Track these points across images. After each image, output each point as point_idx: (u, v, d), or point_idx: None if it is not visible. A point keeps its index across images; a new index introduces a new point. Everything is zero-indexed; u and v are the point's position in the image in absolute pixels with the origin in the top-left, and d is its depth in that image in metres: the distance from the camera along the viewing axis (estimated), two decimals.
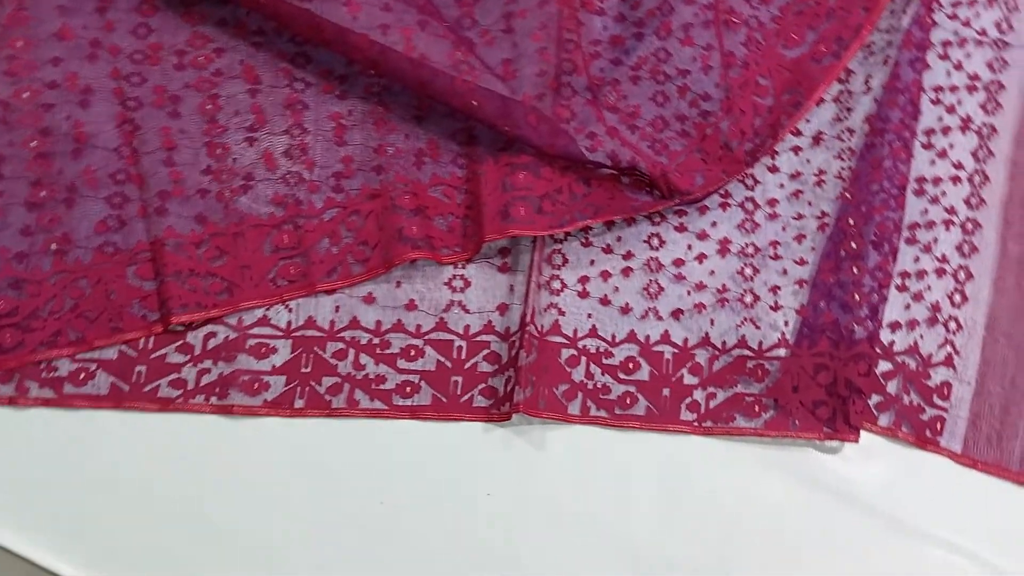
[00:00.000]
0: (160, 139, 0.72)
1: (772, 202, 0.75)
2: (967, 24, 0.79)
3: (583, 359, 0.71)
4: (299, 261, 0.71)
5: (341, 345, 0.70)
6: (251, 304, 0.69)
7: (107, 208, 0.70)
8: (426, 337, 0.71)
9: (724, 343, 0.71)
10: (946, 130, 0.76)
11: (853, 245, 0.71)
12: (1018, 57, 0.78)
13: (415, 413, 0.68)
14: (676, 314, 0.72)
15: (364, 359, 0.70)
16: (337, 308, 0.71)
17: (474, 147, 0.74)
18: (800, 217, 0.74)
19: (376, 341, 0.70)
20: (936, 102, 0.77)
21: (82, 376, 0.66)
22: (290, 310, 0.71)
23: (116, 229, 0.70)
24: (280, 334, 0.70)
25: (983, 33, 0.78)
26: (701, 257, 0.73)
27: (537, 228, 0.70)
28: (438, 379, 0.70)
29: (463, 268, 0.73)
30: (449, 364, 0.70)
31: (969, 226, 0.74)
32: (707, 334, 0.71)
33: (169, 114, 0.73)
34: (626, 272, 0.73)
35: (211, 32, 0.76)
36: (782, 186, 0.75)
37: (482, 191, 0.71)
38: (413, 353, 0.70)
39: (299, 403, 0.68)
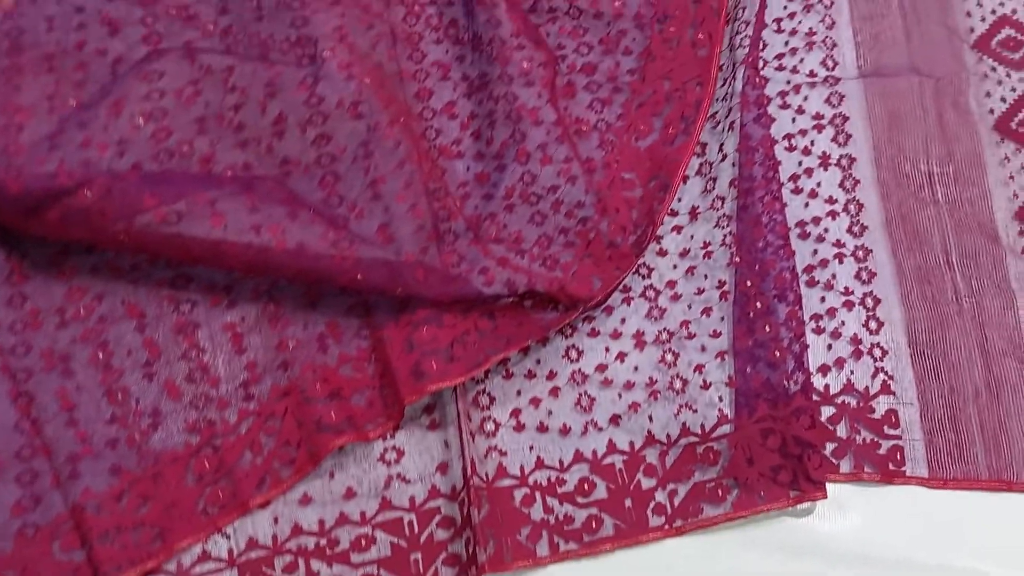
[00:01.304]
0: (58, 402, 0.70)
1: (671, 284, 0.76)
2: (795, 71, 0.83)
3: (537, 495, 0.69)
4: (225, 483, 0.69)
5: (289, 557, 0.67)
6: (186, 543, 0.66)
7: (19, 489, 0.67)
8: (373, 522, 0.68)
9: (669, 436, 0.70)
10: (809, 171, 0.79)
11: (758, 304, 0.72)
12: (851, 87, 0.82)
13: None
14: (615, 420, 0.71)
15: (316, 565, 0.67)
16: (276, 519, 0.69)
17: (373, 315, 0.74)
18: (701, 292, 0.75)
19: (323, 542, 0.68)
20: (791, 148, 0.80)
21: None
22: (228, 536, 0.68)
23: (32, 508, 0.67)
24: (224, 565, 0.67)
25: (813, 75, 0.83)
26: (621, 356, 0.73)
27: (453, 376, 0.69)
28: (396, 563, 0.67)
29: (393, 439, 0.71)
30: (404, 543, 0.68)
31: (860, 253, 0.75)
32: (650, 431, 0.70)
33: (62, 374, 0.71)
34: (554, 392, 0.72)
35: (87, 282, 0.75)
36: (675, 267, 0.77)
37: (390, 356, 0.70)
38: (364, 543, 0.68)
39: None
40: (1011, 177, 0.77)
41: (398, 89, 0.82)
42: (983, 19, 0.84)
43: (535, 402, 0.72)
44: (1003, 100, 0.81)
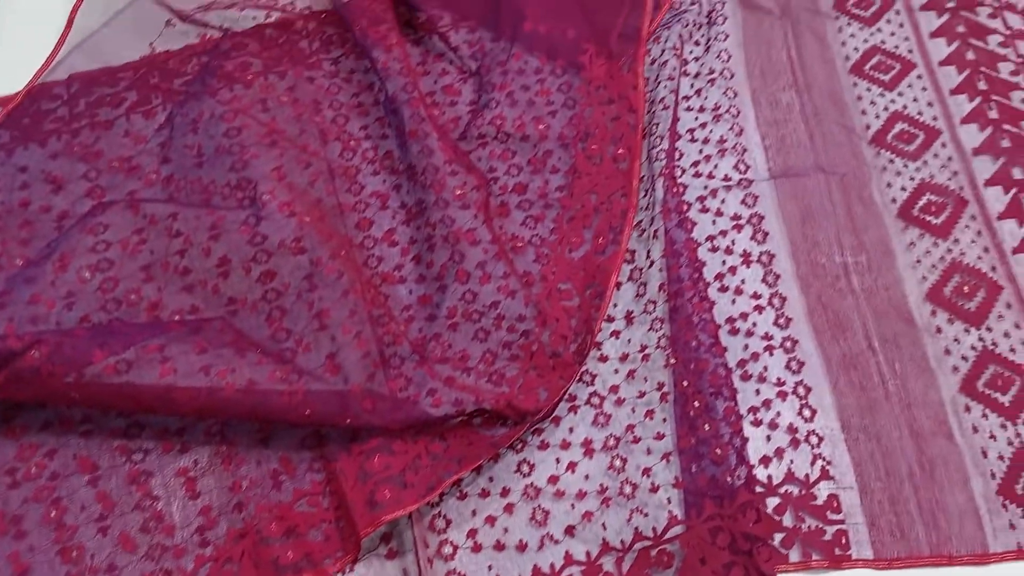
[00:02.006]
0: (11, 566, 0.70)
1: (614, 388, 0.79)
2: (711, 176, 0.88)
3: None
4: None
5: None
6: None
7: None
8: None
9: (623, 542, 0.71)
10: (732, 269, 0.83)
11: (696, 403, 0.75)
12: (763, 188, 0.87)
13: None
14: (570, 531, 0.72)
15: None
16: None
17: (326, 447, 0.75)
18: (642, 395, 0.78)
19: None
20: (714, 249, 0.84)
21: None
22: None
23: None
24: None
25: (727, 179, 0.88)
26: (572, 466, 0.75)
27: (408, 504, 0.70)
28: None
29: (351, 571, 0.71)
30: None
31: (788, 344, 0.79)
32: (605, 539, 0.72)
33: (14, 537, 0.71)
34: (509, 509, 0.74)
35: (38, 439, 0.76)
36: (616, 371, 0.79)
37: (344, 488, 0.71)
38: None
39: None
40: (918, 261, 0.83)
41: (338, 222, 0.86)
42: (877, 116, 0.91)
43: (491, 520, 0.73)
44: (903, 189, 0.87)
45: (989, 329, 0.79)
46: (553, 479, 0.75)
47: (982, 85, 0.92)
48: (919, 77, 0.93)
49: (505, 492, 0.74)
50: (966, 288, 0.81)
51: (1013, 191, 0.85)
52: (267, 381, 0.72)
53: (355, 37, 0.92)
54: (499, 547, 0.72)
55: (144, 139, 0.92)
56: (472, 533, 0.73)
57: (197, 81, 0.93)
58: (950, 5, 0.97)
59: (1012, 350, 0.78)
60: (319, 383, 0.73)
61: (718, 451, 0.72)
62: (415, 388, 0.75)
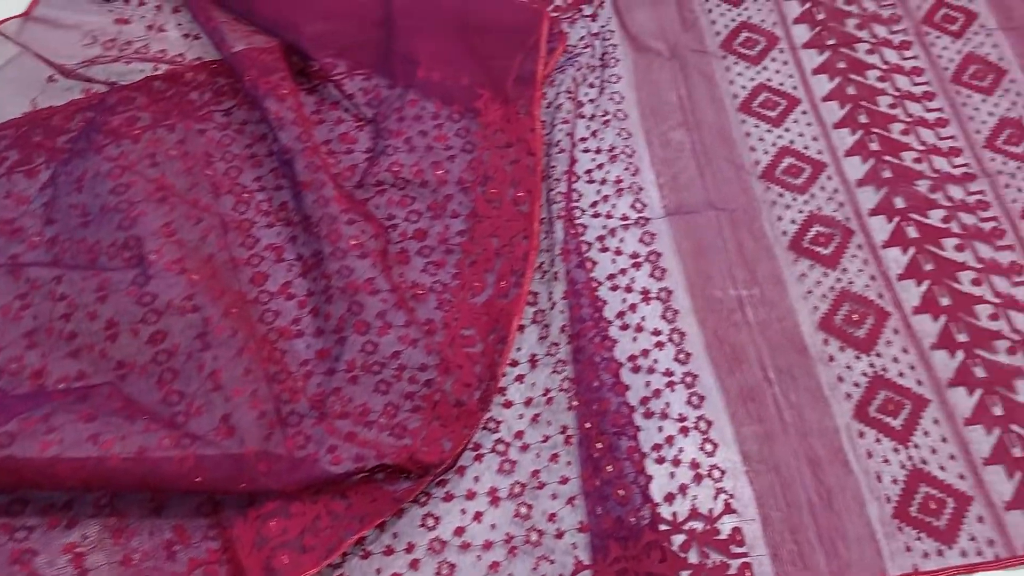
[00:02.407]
0: None
1: (519, 434, 0.78)
2: (609, 216, 0.90)
3: None
4: None
5: None
6: None
7: None
8: None
9: None
10: (633, 307, 0.84)
11: (599, 445, 0.75)
12: (660, 226, 0.89)
13: None
14: None
15: None
16: None
17: (222, 513, 0.72)
18: (546, 439, 0.77)
19: None
20: (615, 288, 0.85)
21: None
22: None
23: None
24: None
25: (625, 218, 0.89)
26: (478, 516, 0.74)
27: (307, 568, 0.68)
28: None
29: None
30: None
31: (688, 379, 0.80)
32: None
33: None
34: (414, 565, 0.72)
35: None
36: (521, 416, 0.79)
37: (240, 556, 0.69)
38: None
39: None
40: (809, 291, 0.85)
41: (231, 278, 0.84)
42: (766, 152, 0.94)
43: None
44: (793, 222, 0.89)
45: (879, 355, 0.81)
46: (459, 531, 0.74)
47: (863, 118, 0.95)
48: (804, 112, 0.96)
49: (410, 548, 0.73)
50: (855, 316, 0.83)
51: (896, 220, 0.89)
52: (157, 448, 0.70)
53: (245, 88, 0.91)
54: None
55: (27, 200, 0.88)
56: None
57: (82, 138, 0.91)
58: (831, 43, 1.01)
59: (901, 374, 0.80)
60: (211, 448, 0.70)
61: (621, 492, 0.72)
62: (314, 446, 0.73)
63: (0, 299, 0.81)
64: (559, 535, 0.72)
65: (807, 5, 1.04)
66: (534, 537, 0.73)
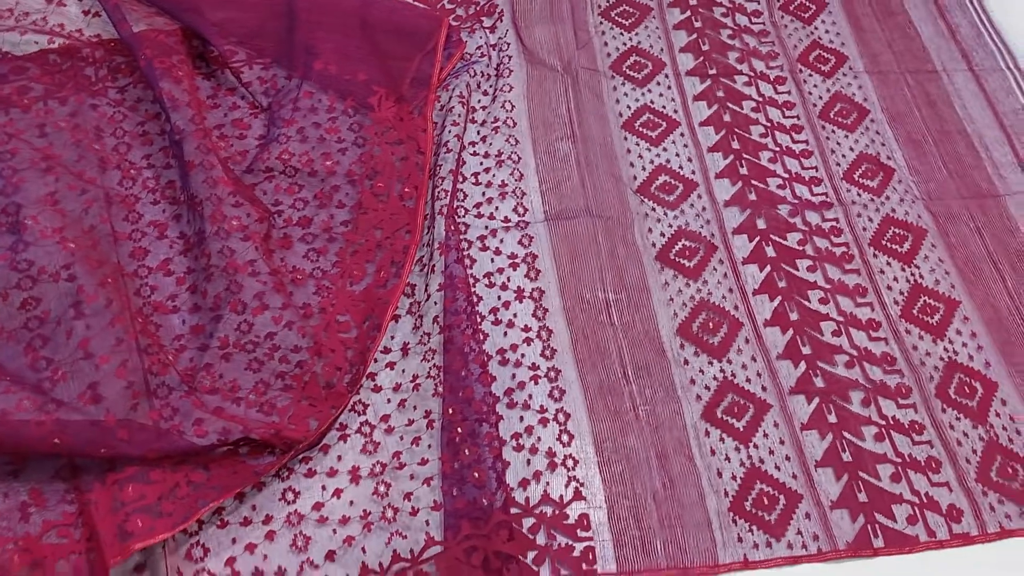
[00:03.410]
0: None
1: (385, 418, 0.81)
2: (492, 217, 0.94)
3: None
4: None
5: None
6: None
7: None
8: None
9: (381, 564, 0.73)
10: (507, 304, 0.88)
11: (460, 430, 0.78)
12: (539, 229, 0.93)
13: None
14: (330, 556, 0.73)
15: None
16: None
17: (81, 478, 0.73)
18: (411, 423, 0.80)
19: None
20: (491, 285, 0.89)
21: None
22: None
23: None
24: None
25: (507, 220, 0.94)
26: (337, 492, 0.76)
27: (161, 532, 0.69)
28: None
29: None
30: None
31: (552, 374, 0.84)
32: (364, 563, 0.73)
33: None
34: (270, 536, 0.74)
35: None
36: (389, 401, 0.82)
37: (95, 518, 0.69)
38: None
39: None
40: (671, 299, 0.90)
41: (110, 251, 0.84)
42: (644, 168, 1.00)
43: (250, 548, 0.73)
44: (662, 235, 0.95)
45: (730, 361, 0.87)
46: (317, 506, 0.76)
47: (735, 144, 1.02)
48: (682, 135, 1.03)
49: (267, 520, 0.75)
50: (711, 324, 0.89)
51: (756, 239, 0.95)
52: (17, 410, 0.70)
53: (141, 67, 0.92)
54: (257, 574, 0.72)
55: None
56: (231, 561, 0.72)
57: None
58: (712, 72, 1.08)
59: (748, 380, 0.86)
60: (74, 413, 0.71)
61: (476, 474, 0.76)
62: (180, 418, 0.75)
63: None
64: (414, 512, 0.75)
65: (693, 36, 1.11)
66: (390, 514, 0.75)
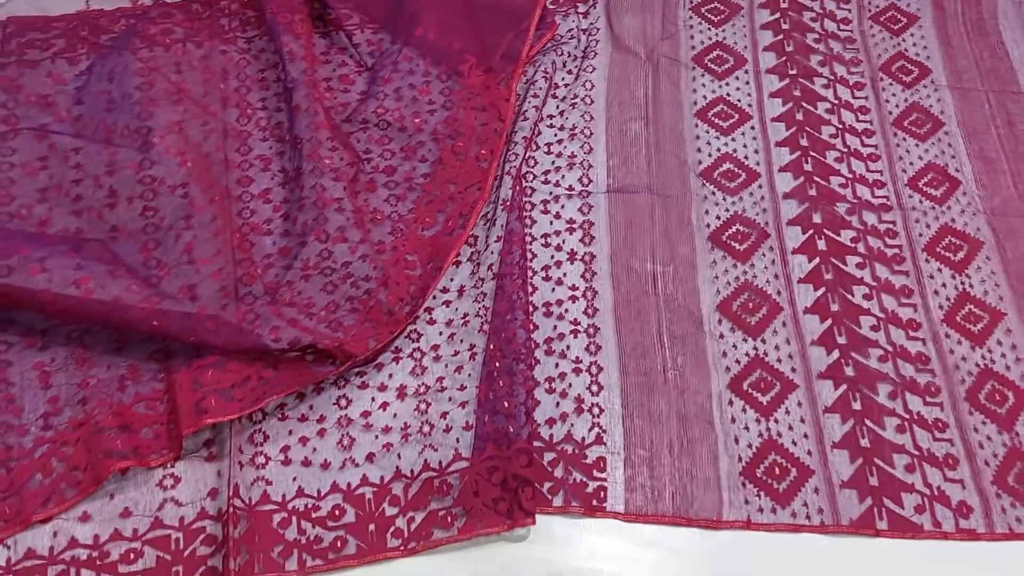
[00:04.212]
0: None
1: (435, 347, 0.90)
2: (557, 184, 1.01)
3: (294, 519, 0.79)
4: (13, 500, 0.77)
5: (62, 566, 0.75)
6: None
7: None
8: (144, 539, 0.77)
9: (412, 471, 0.82)
10: (558, 263, 0.95)
11: (498, 364, 0.86)
12: (599, 200, 1.00)
13: None
14: (370, 457, 0.83)
15: (85, 573, 0.75)
16: (55, 533, 0.77)
17: (171, 361, 0.85)
18: (456, 354, 0.89)
19: (95, 555, 0.76)
20: (547, 245, 0.97)
21: None
22: (8, 547, 0.76)
23: None
24: (0, 573, 0.74)
25: (571, 189, 1.01)
26: (384, 405, 0.86)
27: (229, 413, 0.80)
28: (159, 574, 0.75)
29: (173, 467, 0.81)
30: (169, 557, 0.77)
31: (591, 331, 0.91)
32: (398, 468, 0.82)
33: None
34: (321, 433, 0.84)
35: None
36: (440, 333, 0.91)
37: (177, 395, 0.81)
38: (132, 556, 0.76)
39: None
40: (716, 277, 0.96)
41: (221, 175, 0.97)
42: (710, 155, 1.05)
43: (303, 441, 0.83)
44: (718, 218, 1.00)
45: (764, 341, 0.92)
46: (365, 414, 0.85)
47: (804, 142, 1.06)
48: (752, 128, 1.07)
49: (321, 419, 0.85)
50: (751, 304, 0.94)
51: (810, 232, 0.99)
52: (128, 296, 0.82)
53: (266, 20, 1.04)
54: (306, 463, 0.82)
55: (64, 81, 1.02)
56: (285, 449, 0.83)
57: (121, 38, 1.05)
58: (792, 72, 1.12)
59: (779, 360, 0.90)
60: (173, 303, 0.83)
61: (507, 404, 0.83)
62: (260, 322, 0.85)
63: (23, 157, 0.95)
64: (447, 430, 0.84)
65: (779, 36, 1.15)
66: (426, 429, 0.84)
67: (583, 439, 0.85)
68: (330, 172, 0.95)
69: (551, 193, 1.01)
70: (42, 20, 1.07)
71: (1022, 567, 0.80)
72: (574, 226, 0.98)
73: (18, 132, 0.97)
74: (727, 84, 1.11)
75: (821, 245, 0.98)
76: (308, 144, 0.96)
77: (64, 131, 0.98)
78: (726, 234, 0.99)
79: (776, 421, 0.87)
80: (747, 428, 0.87)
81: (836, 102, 1.10)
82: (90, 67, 1.03)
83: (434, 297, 0.93)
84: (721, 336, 0.92)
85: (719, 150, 1.06)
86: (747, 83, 1.12)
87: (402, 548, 0.78)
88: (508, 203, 0.97)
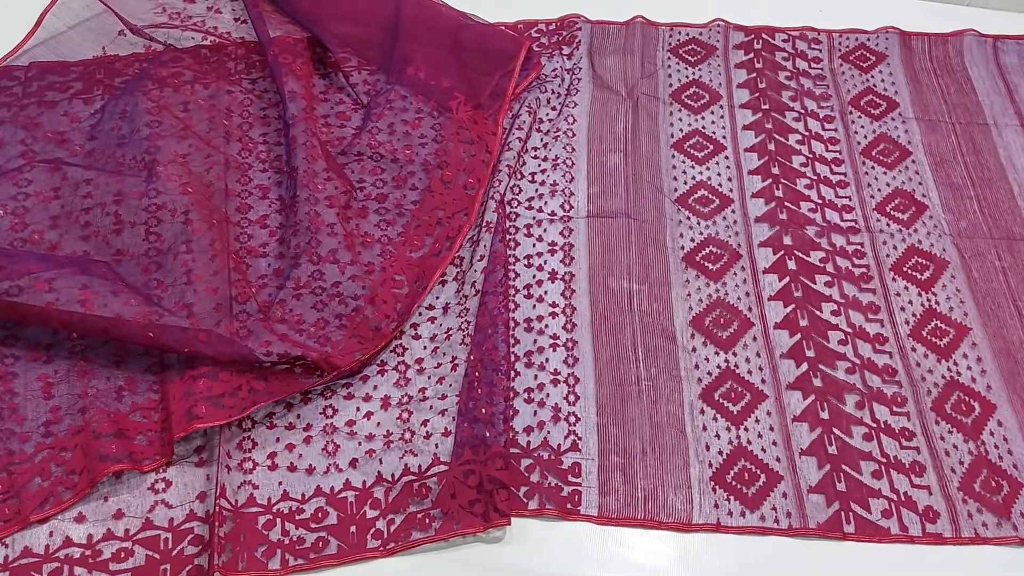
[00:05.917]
0: None
1: (419, 360, 0.94)
2: (540, 210, 1.07)
3: (278, 520, 0.83)
4: (13, 502, 0.81)
5: (56, 564, 0.79)
6: None
7: None
8: (134, 538, 0.81)
9: (393, 475, 0.85)
10: (539, 282, 1.00)
11: (477, 374, 0.90)
12: (579, 224, 1.05)
13: None
14: (353, 463, 0.86)
15: (78, 570, 0.79)
16: (51, 533, 0.81)
17: (166, 372, 0.90)
18: (439, 366, 0.93)
19: (88, 553, 0.80)
20: (529, 265, 1.02)
21: None
22: (6, 545, 0.79)
23: None
24: None
25: (553, 214, 1.06)
26: (368, 415, 0.90)
27: (219, 419, 0.84)
28: (148, 572, 0.79)
29: (164, 472, 0.85)
30: (158, 556, 0.80)
31: (570, 344, 0.95)
32: (380, 473, 0.86)
33: None
34: (307, 440, 0.88)
35: None
36: (425, 348, 0.95)
37: (170, 402, 0.86)
38: (123, 555, 0.80)
39: None
40: (690, 295, 1.00)
41: (221, 202, 1.03)
42: (685, 183, 1.10)
43: (289, 447, 0.87)
44: (692, 240, 1.05)
45: (735, 354, 0.95)
46: (350, 423, 0.89)
47: (775, 170, 1.11)
48: (726, 157, 1.13)
49: (308, 427, 0.89)
50: (723, 320, 0.98)
51: (780, 253, 1.03)
52: (128, 313, 0.87)
53: (269, 62, 1.12)
54: (292, 468, 0.86)
55: (79, 119, 1.10)
56: (272, 455, 0.87)
57: (134, 80, 1.12)
58: (764, 107, 1.18)
59: (749, 372, 0.94)
60: (168, 316, 0.88)
61: (484, 411, 0.87)
62: (251, 335, 0.90)
63: (38, 187, 1.02)
64: (427, 437, 0.87)
65: (753, 74, 1.22)
66: (407, 436, 0.88)
67: (559, 446, 0.88)
68: (324, 199, 1.01)
69: (534, 218, 1.06)
70: (61, 65, 1.15)
71: (988, 571, 0.82)
72: (555, 248, 1.03)
73: (34, 165, 1.04)
74: (703, 118, 1.17)
75: (791, 265, 1.02)
76: (304, 174, 1.02)
77: (77, 164, 1.05)
78: (700, 255, 1.04)
79: (746, 429, 0.90)
80: (718, 436, 0.90)
81: (807, 134, 1.16)
82: (104, 106, 1.11)
83: (420, 314, 0.98)
84: (693, 349, 0.96)
85: (694, 178, 1.11)
86: (722, 117, 1.17)
87: (381, 548, 0.81)
88: (492, 225, 1.02)
